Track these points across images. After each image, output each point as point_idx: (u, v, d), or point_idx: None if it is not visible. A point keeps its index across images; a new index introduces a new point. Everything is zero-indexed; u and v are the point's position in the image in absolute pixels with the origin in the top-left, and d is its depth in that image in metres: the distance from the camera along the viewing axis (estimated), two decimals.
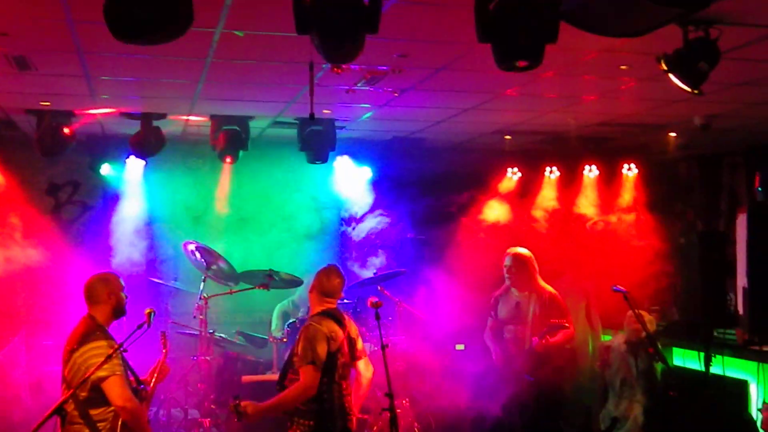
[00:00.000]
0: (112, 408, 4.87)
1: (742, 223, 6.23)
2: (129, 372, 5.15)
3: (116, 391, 4.82)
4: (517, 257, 7.48)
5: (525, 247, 7.65)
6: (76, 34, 5.06)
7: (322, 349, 5.18)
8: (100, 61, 5.80)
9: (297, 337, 5.37)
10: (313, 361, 5.13)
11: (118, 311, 5.17)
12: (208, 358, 7.72)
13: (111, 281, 5.20)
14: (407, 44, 5.32)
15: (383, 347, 5.24)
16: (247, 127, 8.02)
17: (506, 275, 7.52)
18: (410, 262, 9.10)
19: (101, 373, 4.76)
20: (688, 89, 4.45)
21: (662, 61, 4.45)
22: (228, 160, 8.07)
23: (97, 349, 4.85)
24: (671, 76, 4.47)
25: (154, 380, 5.34)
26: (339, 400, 5.28)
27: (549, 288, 7.49)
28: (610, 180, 9.69)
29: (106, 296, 5.11)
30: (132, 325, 5.08)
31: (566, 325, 7.36)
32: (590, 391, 8.36)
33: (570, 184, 9.74)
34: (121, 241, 8.39)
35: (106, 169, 8.64)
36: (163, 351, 5.51)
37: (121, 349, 4.95)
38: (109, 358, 4.77)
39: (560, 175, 9.77)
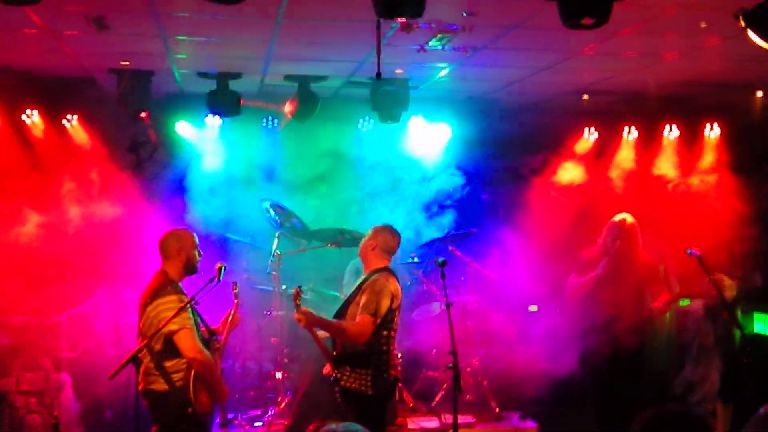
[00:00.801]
0: (185, 360, 5.05)
1: None
2: (201, 323, 5.32)
3: (186, 343, 4.99)
4: (631, 225, 7.19)
5: (626, 212, 7.53)
6: None
7: (385, 305, 5.38)
8: (174, 21, 5.91)
9: (360, 286, 5.47)
10: (374, 313, 5.34)
11: (190, 268, 5.33)
12: (281, 313, 7.89)
13: (183, 238, 5.36)
14: (475, 2, 5.24)
15: (448, 306, 5.31)
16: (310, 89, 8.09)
17: (614, 240, 7.13)
18: (483, 222, 9.04)
19: (172, 327, 4.94)
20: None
21: (741, 17, 4.27)
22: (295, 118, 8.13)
23: (168, 303, 5.03)
24: (750, 32, 4.29)
25: (226, 331, 5.52)
26: (392, 352, 5.59)
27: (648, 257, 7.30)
28: (691, 140, 9.38)
29: (176, 252, 5.27)
30: (207, 279, 5.25)
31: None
32: (667, 355, 8.22)
33: (649, 144, 9.47)
34: (198, 198, 8.57)
35: (182, 127, 8.80)
36: (235, 301, 5.65)
37: (193, 302, 5.12)
38: (181, 310, 4.93)
39: (639, 136, 9.51)
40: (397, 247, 5.75)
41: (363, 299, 5.39)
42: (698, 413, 2.73)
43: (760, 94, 8.41)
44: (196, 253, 5.38)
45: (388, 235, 5.71)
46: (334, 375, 5.54)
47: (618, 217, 7.19)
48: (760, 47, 4.49)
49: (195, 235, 5.45)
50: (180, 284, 5.28)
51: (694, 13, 5.47)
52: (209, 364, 5.11)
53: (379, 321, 5.37)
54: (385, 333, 5.46)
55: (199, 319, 5.32)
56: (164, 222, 7.33)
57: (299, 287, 5.33)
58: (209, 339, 5.36)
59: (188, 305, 5.03)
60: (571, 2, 3.55)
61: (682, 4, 5.22)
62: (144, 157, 8.93)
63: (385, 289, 5.43)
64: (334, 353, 5.58)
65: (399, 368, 5.72)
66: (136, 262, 6.98)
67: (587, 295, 7.09)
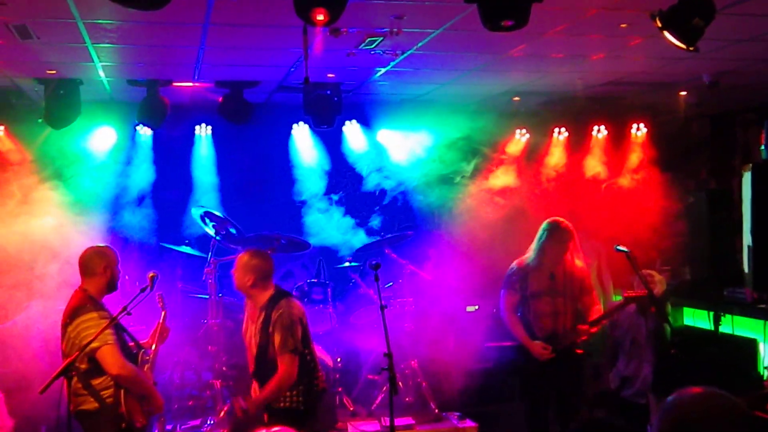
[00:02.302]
0: (110, 376, 4.98)
1: (747, 181, 6.17)
2: (127, 337, 5.25)
3: (108, 359, 4.91)
4: (570, 229, 6.69)
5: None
6: (72, 2, 5.08)
7: (298, 333, 5.36)
8: (98, 28, 5.81)
9: (266, 323, 5.40)
10: (294, 349, 5.32)
11: (112, 285, 5.26)
12: (218, 321, 7.83)
13: (108, 255, 5.28)
14: (402, 6, 5.29)
15: (382, 308, 5.33)
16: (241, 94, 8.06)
17: (559, 249, 6.63)
18: (418, 224, 9.11)
19: (94, 344, 4.87)
20: (683, 46, 4.39)
21: (657, 18, 4.39)
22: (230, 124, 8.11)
23: (88, 321, 4.95)
24: (666, 33, 4.42)
25: (156, 343, 5.45)
26: (317, 365, 5.59)
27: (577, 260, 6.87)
28: (619, 140, 9.61)
29: (102, 269, 5.19)
30: (139, 289, 5.19)
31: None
32: (600, 351, 8.39)
33: (579, 144, 9.68)
34: (131, 207, 8.46)
35: (112, 136, 8.68)
36: (162, 312, 5.59)
37: (125, 312, 5.05)
38: (106, 327, 4.86)
39: (569, 136, 9.71)
40: (272, 265, 5.58)
41: (277, 339, 5.30)
42: (620, 426, 2.80)
43: (683, 93, 8.65)
44: (118, 271, 5.31)
45: (259, 261, 5.52)
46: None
47: (560, 222, 6.73)
48: (676, 47, 4.63)
49: (116, 252, 5.38)
50: (100, 301, 5.19)
51: (615, 14, 5.59)
52: (135, 376, 5.04)
53: (300, 350, 5.36)
54: (306, 351, 5.46)
55: (124, 334, 5.24)
56: (96, 232, 7.22)
57: (237, 399, 5.32)
58: (137, 353, 5.29)
59: (109, 321, 4.96)
60: (490, 5, 3.61)
61: (603, 5, 5.34)
62: (73, 164, 8.74)
63: (293, 318, 5.36)
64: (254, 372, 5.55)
65: (324, 378, 5.66)
66: (69, 274, 6.85)
67: (526, 310, 6.66)
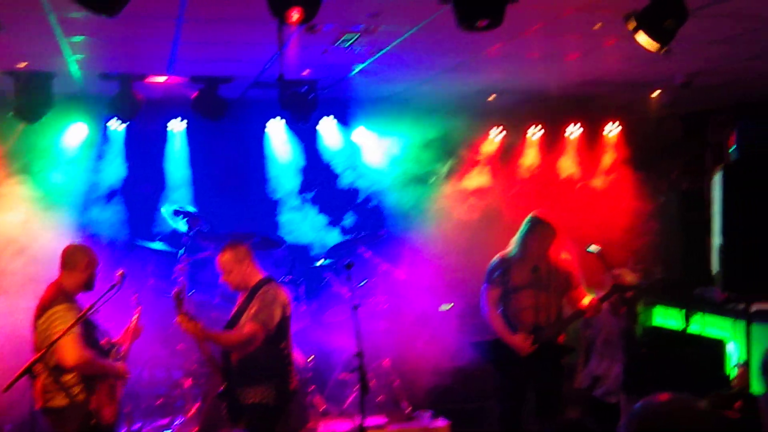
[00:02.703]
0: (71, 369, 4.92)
1: (717, 181, 6.22)
2: (99, 335, 5.19)
3: (66, 350, 4.84)
4: (554, 223, 6.59)
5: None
6: None
7: (277, 314, 5.34)
8: (70, 21, 5.72)
9: (250, 296, 5.43)
10: (264, 323, 5.26)
11: (89, 284, 5.21)
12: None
13: (90, 253, 5.26)
14: (378, 3, 5.26)
15: (354, 307, 5.32)
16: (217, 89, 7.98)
17: (542, 242, 6.52)
18: (393, 223, 9.09)
19: (56, 337, 4.80)
20: (655, 48, 4.41)
21: (630, 20, 4.40)
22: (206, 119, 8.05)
23: (56, 313, 4.90)
24: (639, 34, 4.43)
25: (128, 340, 5.41)
26: (292, 362, 5.57)
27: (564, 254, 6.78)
28: (593, 139, 9.66)
29: (84, 266, 5.15)
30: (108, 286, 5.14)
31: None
32: (574, 349, 8.42)
33: (554, 143, 9.72)
34: (102, 203, 8.37)
35: (84, 130, 8.58)
36: (136, 312, 5.55)
37: (93, 309, 5.00)
38: (76, 321, 4.80)
39: (544, 135, 9.74)
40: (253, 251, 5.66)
41: (253, 308, 5.32)
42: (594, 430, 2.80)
43: (656, 92, 8.70)
44: (96, 271, 5.27)
45: (242, 245, 5.65)
46: (223, 388, 5.45)
47: (544, 215, 6.65)
48: (649, 48, 4.65)
49: (93, 250, 5.34)
50: (74, 296, 5.13)
51: (590, 14, 5.61)
52: (92, 362, 4.98)
53: (272, 331, 5.31)
54: (283, 345, 5.43)
55: (95, 331, 5.19)
56: (65, 228, 7.14)
57: (180, 287, 5.17)
58: (109, 350, 5.23)
59: (78, 315, 4.90)
60: (465, 5, 3.60)
61: (579, 5, 5.35)
62: (45, 159, 8.62)
63: (277, 299, 5.39)
64: (231, 368, 5.48)
65: (297, 378, 5.66)
66: (35, 271, 6.76)
67: (507, 304, 6.54)
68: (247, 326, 5.27)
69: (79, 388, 4.96)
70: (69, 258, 5.19)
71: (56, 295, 5.03)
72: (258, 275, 5.54)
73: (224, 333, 5.35)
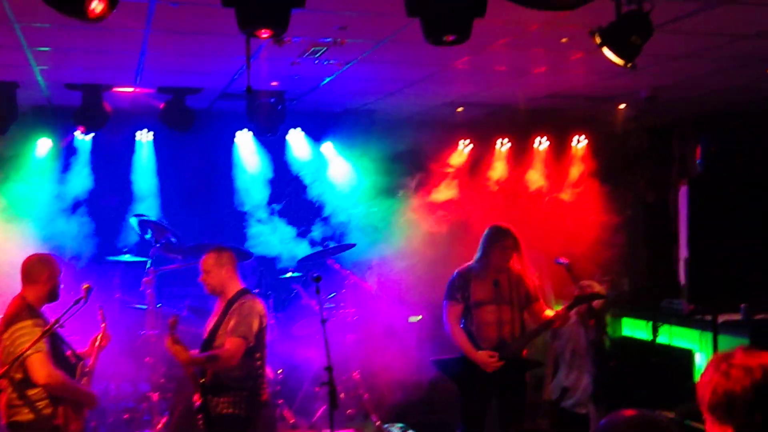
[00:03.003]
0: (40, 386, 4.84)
1: (683, 194, 6.30)
2: (65, 347, 5.11)
3: (36, 368, 4.77)
4: (515, 234, 6.38)
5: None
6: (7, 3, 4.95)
7: (255, 325, 5.34)
8: (36, 31, 5.67)
9: (225, 312, 5.42)
10: (245, 336, 5.26)
11: (53, 295, 5.12)
12: (156, 332, 7.68)
13: (51, 264, 5.15)
14: (346, 17, 5.28)
15: (323, 321, 5.30)
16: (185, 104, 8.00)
17: (503, 255, 6.32)
18: (361, 236, 9.07)
19: (27, 352, 4.72)
20: (621, 63, 4.46)
21: (596, 35, 4.45)
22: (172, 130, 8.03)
23: (22, 329, 4.81)
24: (605, 49, 4.48)
25: (94, 354, 5.32)
26: (265, 373, 5.55)
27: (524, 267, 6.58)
28: (560, 152, 9.75)
29: (45, 278, 5.05)
30: (73, 300, 5.06)
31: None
32: (542, 361, 8.45)
33: (521, 155, 9.79)
34: (66, 215, 8.27)
35: (47, 142, 8.50)
36: (102, 325, 5.47)
37: (58, 324, 4.92)
38: (42, 335, 4.72)
39: (511, 147, 9.81)
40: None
41: (231, 323, 5.31)
42: None
43: (622, 106, 8.81)
44: (59, 281, 5.18)
45: (230, 254, 5.64)
46: (200, 402, 5.40)
47: (505, 227, 6.43)
48: (615, 63, 4.70)
49: (58, 260, 5.25)
50: (39, 310, 5.05)
51: (555, 29, 5.66)
52: (66, 386, 4.90)
53: (252, 343, 5.31)
54: (258, 355, 5.42)
55: (61, 343, 5.10)
56: (28, 240, 7.04)
57: (176, 316, 5.15)
58: (76, 363, 5.15)
59: (47, 332, 4.83)
60: (432, 20, 3.62)
61: (544, 20, 5.39)
62: (9, 171, 8.51)
63: (253, 310, 5.39)
64: (202, 380, 5.41)
65: (267, 391, 5.62)
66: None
67: (469, 320, 6.34)
68: (228, 342, 5.25)
69: (44, 402, 4.87)
70: (30, 270, 5.09)
71: (20, 310, 4.94)
72: (237, 286, 5.53)
73: (211, 354, 5.29)
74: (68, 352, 5.14)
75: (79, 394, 5.02)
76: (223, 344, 5.27)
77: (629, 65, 4.44)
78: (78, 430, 4.99)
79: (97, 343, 5.35)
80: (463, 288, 6.32)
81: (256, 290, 7.95)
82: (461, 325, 6.34)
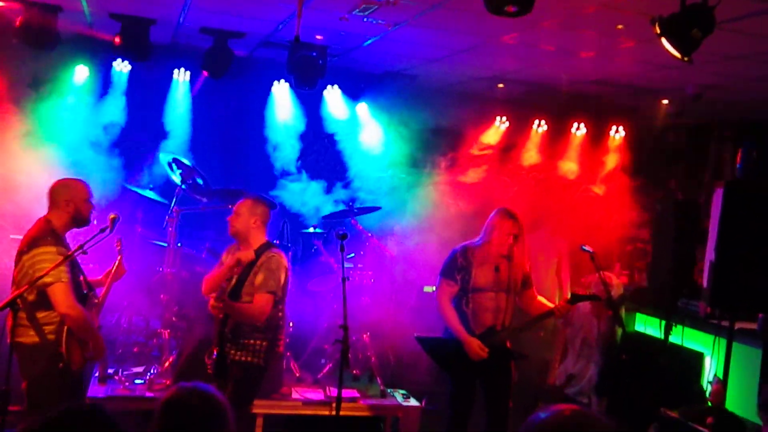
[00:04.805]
0: (58, 314, 4.87)
1: (717, 197, 6.19)
2: (81, 277, 5.12)
3: (59, 297, 4.80)
4: (519, 219, 6.18)
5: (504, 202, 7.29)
6: None
7: (282, 280, 5.45)
8: None
9: (255, 263, 5.48)
10: (274, 291, 5.38)
11: (78, 220, 5.12)
12: (173, 271, 7.71)
13: (73, 188, 5.13)
14: None
15: (343, 279, 5.29)
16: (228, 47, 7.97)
17: (506, 239, 6.11)
18: (387, 200, 9.03)
19: (47, 279, 4.74)
20: (679, 56, 4.37)
21: (656, 24, 4.35)
22: (209, 74, 8.02)
23: (46, 254, 4.82)
24: (663, 40, 4.38)
25: (107, 284, 5.36)
26: (284, 323, 5.73)
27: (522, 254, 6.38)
28: (597, 140, 9.63)
29: (64, 203, 5.05)
30: (99, 228, 5.08)
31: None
32: (550, 345, 8.44)
33: (557, 139, 9.68)
34: (99, 145, 8.27)
35: (85, 70, 8.49)
36: (118, 257, 5.49)
37: (81, 251, 4.93)
38: (61, 263, 4.74)
39: (548, 130, 9.70)
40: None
41: (260, 278, 5.40)
42: None
43: (665, 101, 8.68)
44: (87, 205, 5.16)
45: (265, 207, 5.71)
46: (216, 351, 5.52)
47: (510, 212, 6.24)
48: (672, 55, 4.60)
49: (87, 186, 5.22)
50: (63, 235, 5.06)
51: (613, 13, 5.57)
52: (83, 319, 4.92)
53: (278, 296, 5.42)
54: (281, 307, 5.53)
55: (79, 272, 5.12)
56: (56, 165, 7.07)
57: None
58: (87, 293, 5.17)
59: (69, 258, 4.84)
60: None
61: (604, 3, 5.30)
62: (45, 95, 8.52)
63: (280, 264, 5.48)
64: (224, 330, 5.53)
65: (284, 343, 5.82)
66: (25, 204, 6.69)
67: (465, 303, 6.12)
68: (258, 298, 5.39)
69: (52, 327, 4.89)
70: (52, 196, 5.10)
71: (45, 233, 4.94)
72: (261, 238, 5.61)
73: (241, 306, 5.42)
74: (81, 278, 5.14)
75: (91, 336, 5.04)
76: (252, 298, 5.40)
77: (686, 59, 4.34)
78: (78, 362, 5.00)
79: (112, 272, 5.38)
80: (464, 270, 6.12)
81: (277, 242, 7.98)
82: (453, 305, 6.14)
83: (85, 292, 5.13)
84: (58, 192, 5.09)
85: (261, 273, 5.42)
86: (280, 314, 5.54)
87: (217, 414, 2.76)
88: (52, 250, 4.84)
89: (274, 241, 7.99)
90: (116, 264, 5.45)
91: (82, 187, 5.18)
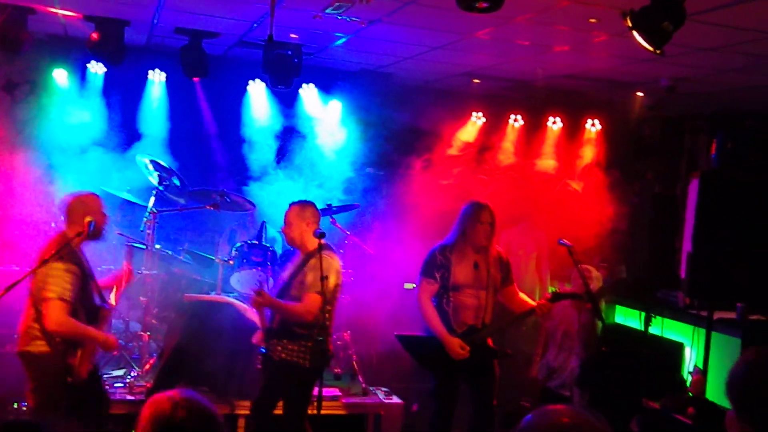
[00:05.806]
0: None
1: (693, 187, 6.24)
2: (93, 286, 5.11)
3: (52, 313, 4.79)
4: (492, 212, 6.12)
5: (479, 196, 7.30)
6: None
7: (332, 282, 5.49)
8: None
9: (303, 265, 5.57)
10: (320, 291, 5.34)
11: (94, 233, 5.11)
12: (152, 272, 7.67)
13: (89, 203, 5.14)
14: None
15: (322, 278, 5.28)
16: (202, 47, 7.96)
17: (482, 231, 6.06)
18: (365, 198, 9.03)
19: (49, 294, 4.75)
20: (651, 49, 4.40)
21: (628, 17, 4.38)
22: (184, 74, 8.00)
23: (54, 269, 4.82)
24: (635, 33, 4.41)
25: (118, 292, 5.42)
26: (331, 326, 5.80)
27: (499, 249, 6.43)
28: (573, 134, 9.68)
29: (82, 218, 5.04)
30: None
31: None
32: (531, 339, 8.47)
33: (533, 133, 9.72)
34: (72, 148, 8.19)
35: (60, 73, 8.43)
36: (125, 262, 5.53)
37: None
38: (67, 277, 4.78)
39: (524, 124, 9.73)
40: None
41: (309, 278, 5.45)
42: None
43: (640, 94, 8.73)
44: (103, 217, 5.17)
45: (312, 207, 5.80)
46: (264, 347, 5.64)
47: (483, 204, 6.16)
48: (644, 48, 4.64)
49: (100, 199, 5.23)
50: (79, 250, 5.07)
51: (586, 7, 5.59)
52: (74, 329, 4.90)
53: (327, 298, 5.41)
54: (329, 308, 5.53)
55: (92, 283, 5.11)
56: (32, 168, 7.00)
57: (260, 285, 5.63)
58: (98, 307, 5.15)
59: (78, 273, 4.86)
60: None
61: None
62: (19, 98, 8.44)
63: (331, 266, 5.52)
64: (272, 326, 5.63)
65: (332, 344, 5.85)
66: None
67: (446, 301, 6.09)
68: (306, 297, 5.43)
69: (61, 337, 4.90)
70: (69, 211, 5.10)
71: (58, 249, 4.92)
72: (314, 243, 5.55)
73: (288, 305, 5.50)
74: (93, 289, 5.13)
75: (93, 338, 5.02)
76: (301, 298, 5.45)
77: (658, 52, 4.38)
78: (88, 366, 5.01)
79: (121, 279, 5.42)
80: (443, 267, 6.08)
81: (254, 241, 7.97)
82: (434, 304, 6.12)
83: (98, 304, 5.12)
84: (75, 207, 5.08)
85: (311, 273, 5.46)
86: (327, 315, 5.50)
87: (207, 422, 2.60)
88: (61, 267, 4.84)
89: (252, 241, 8.01)
90: (124, 272, 5.50)
91: (96, 200, 5.20)
